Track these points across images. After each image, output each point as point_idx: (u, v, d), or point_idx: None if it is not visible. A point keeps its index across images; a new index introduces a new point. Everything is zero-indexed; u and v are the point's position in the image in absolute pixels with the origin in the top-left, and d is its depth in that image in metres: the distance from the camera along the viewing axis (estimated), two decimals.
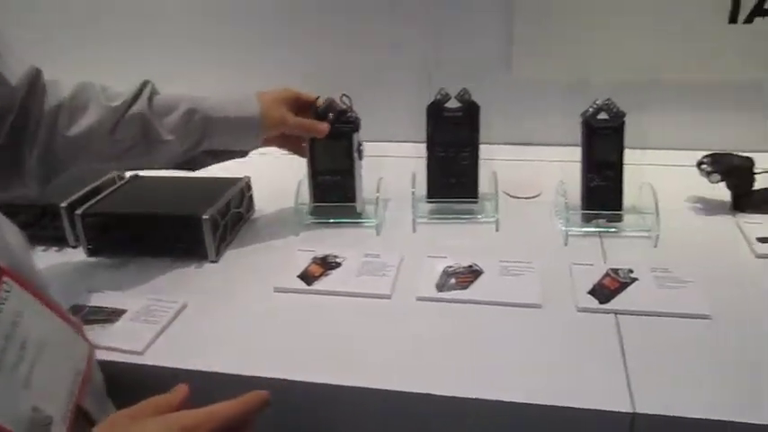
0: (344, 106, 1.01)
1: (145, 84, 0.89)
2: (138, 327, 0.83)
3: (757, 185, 1.02)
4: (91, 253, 1.00)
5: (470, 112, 1.01)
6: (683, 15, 1.13)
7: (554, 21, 1.18)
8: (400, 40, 1.28)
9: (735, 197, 1.03)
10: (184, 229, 0.95)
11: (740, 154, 1.02)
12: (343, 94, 1.01)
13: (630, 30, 1.16)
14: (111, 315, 0.85)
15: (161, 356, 0.78)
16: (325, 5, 1.29)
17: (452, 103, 1.01)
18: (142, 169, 1.02)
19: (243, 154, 0.99)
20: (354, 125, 1.01)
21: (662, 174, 0.99)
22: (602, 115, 0.96)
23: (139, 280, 0.94)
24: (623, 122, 0.95)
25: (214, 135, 0.92)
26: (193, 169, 0.95)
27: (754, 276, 0.88)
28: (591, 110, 0.96)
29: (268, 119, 0.93)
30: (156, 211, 0.98)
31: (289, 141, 1.03)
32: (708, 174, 1.00)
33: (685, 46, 1.15)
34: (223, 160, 0.98)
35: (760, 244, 0.93)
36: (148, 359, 0.78)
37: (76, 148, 0.85)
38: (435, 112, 1.01)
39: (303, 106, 0.99)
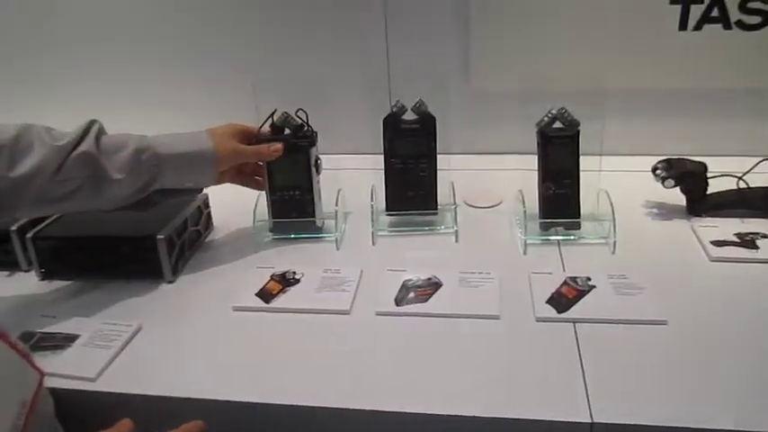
0: (300, 121, 1.01)
1: (92, 123, 0.86)
2: (90, 352, 0.81)
3: (710, 189, 1.03)
4: (44, 277, 0.98)
5: (427, 123, 1.01)
6: (632, 24, 1.15)
7: (510, 31, 1.19)
8: (356, 52, 1.28)
9: (689, 201, 1.04)
10: (139, 249, 0.94)
11: (693, 159, 1.03)
12: (299, 109, 1.01)
13: (584, 39, 1.18)
14: (64, 341, 0.83)
15: (114, 382, 0.76)
16: (277, 18, 1.28)
17: (409, 115, 1.01)
18: (89, 212, 0.92)
19: (196, 192, 0.99)
20: (311, 140, 1.00)
21: (618, 180, 1.00)
22: (558, 124, 0.97)
23: (94, 303, 0.91)
24: (578, 131, 0.96)
25: (166, 172, 0.89)
26: (144, 210, 0.91)
27: (708, 280, 0.89)
28: (546, 119, 0.97)
29: (222, 151, 0.92)
30: (109, 233, 0.95)
31: (243, 175, 1.02)
32: (662, 179, 1.01)
33: (637, 54, 1.16)
34: (176, 199, 0.96)
35: (714, 247, 0.94)
36: (101, 385, 0.76)
37: (20, 191, 0.80)
38: (392, 124, 1.01)
39: (249, 138, 0.98)
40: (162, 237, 0.92)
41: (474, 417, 0.67)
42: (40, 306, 0.91)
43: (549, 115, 0.97)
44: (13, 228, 0.98)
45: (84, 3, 1.34)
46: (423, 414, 0.68)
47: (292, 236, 1.04)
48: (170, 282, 0.95)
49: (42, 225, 0.98)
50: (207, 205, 1.08)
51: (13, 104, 1.42)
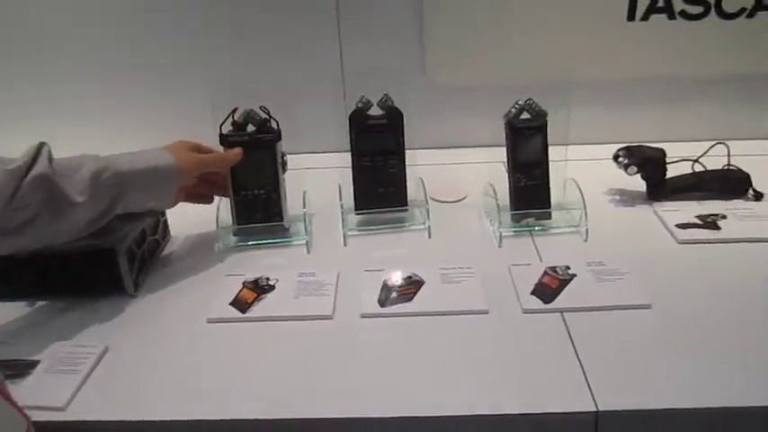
0: (264, 116, 0.96)
1: (41, 144, 0.78)
2: (55, 379, 0.74)
3: (669, 174, 1.06)
4: None
5: (394, 118, 0.98)
6: (586, 14, 1.17)
7: (465, 23, 1.19)
8: (313, 49, 1.24)
9: (650, 187, 1.07)
10: (97, 264, 0.87)
11: (651, 146, 1.06)
12: (261, 106, 0.96)
13: (537, 30, 1.19)
14: (24, 368, 0.75)
15: (87, 410, 0.70)
16: (226, 21, 1.23)
17: (375, 111, 0.99)
18: (44, 245, 0.82)
19: (156, 214, 0.96)
20: (276, 134, 0.96)
21: (582, 168, 1.01)
22: (525, 115, 0.97)
23: (52, 325, 0.84)
24: (545, 121, 0.96)
25: (129, 192, 0.83)
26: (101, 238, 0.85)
27: (680, 262, 0.91)
28: (513, 110, 0.97)
29: (184, 163, 0.88)
30: (62, 248, 0.87)
31: (205, 185, 0.98)
32: (625, 166, 1.03)
33: (592, 44, 1.19)
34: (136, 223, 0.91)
35: (679, 230, 0.97)
36: (73, 414, 0.69)
37: None
38: (358, 120, 0.98)
39: (203, 152, 0.95)
40: (122, 249, 0.86)
41: (480, 415, 0.66)
42: None
43: (517, 106, 0.97)
44: None
45: (32, 15, 1.24)
46: (426, 417, 0.66)
47: (259, 241, 0.99)
48: (132, 296, 0.88)
49: None
50: (163, 213, 1.02)
51: None
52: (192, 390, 0.72)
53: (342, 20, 1.21)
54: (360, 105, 0.98)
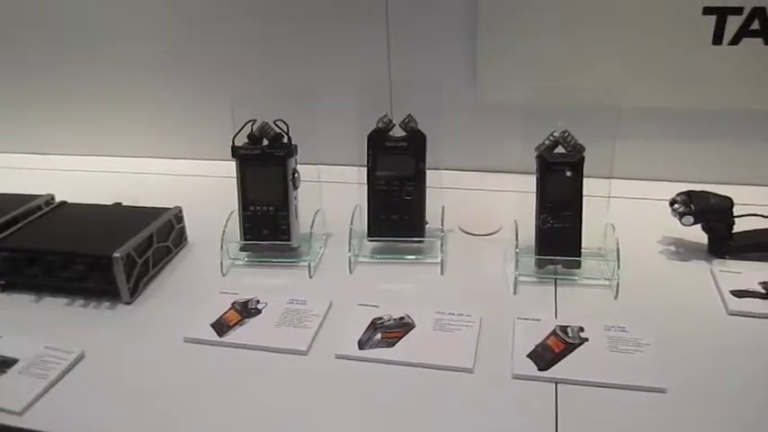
0: (279, 130, 0.92)
1: None
2: (24, 381, 0.74)
3: (737, 228, 0.91)
4: (3, 288, 0.93)
5: (416, 141, 0.91)
6: (658, 35, 1.02)
7: (522, 38, 1.08)
8: (352, 57, 1.19)
9: (711, 241, 0.92)
10: (95, 268, 0.87)
11: (718, 193, 0.90)
12: (279, 119, 0.92)
13: (602, 51, 1.06)
14: (1, 365, 0.77)
15: (41, 418, 0.70)
16: (260, 17, 1.20)
17: (397, 131, 0.92)
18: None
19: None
20: (288, 150, 0.92)
21: (631, 208, 0.88)
22: (560, 149, 0.86)
23: (46, 321, 0.86)
24: (582, 158, 0.85)
25: None
26: None
27: (722, 338, 0.77)
28: (546, 143, 0.86)
29: None
30: (66, 249, 0.89)
31: None
32: (680, 215, 0.89)
33: (662, 69, 1.04)
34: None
35: (734, 298, 0.82)
36: (26, 421, 0.69)
37: None
38: (377, 141, 0.91)
39: None
40: (118, 255, 0.85)
41: None
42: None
43: (551, 138, 0.86)
44: None
45: (64, 7, 1.29)
46: None
47: (264, 260, 0.96)
48: (127, 303, 0.88)
49: (4, 234, 0.93)
50: (180, 219, 1.01)
51: None
52: (146, 411, 0.70)
53: (391, 29, 1.14)
54: (380, 125, 0.91)
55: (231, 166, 0.94)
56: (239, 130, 0.92)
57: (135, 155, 1.41)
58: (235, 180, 0.94)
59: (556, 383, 0.70)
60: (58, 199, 1.07)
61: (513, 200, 1.05)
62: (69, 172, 1.38)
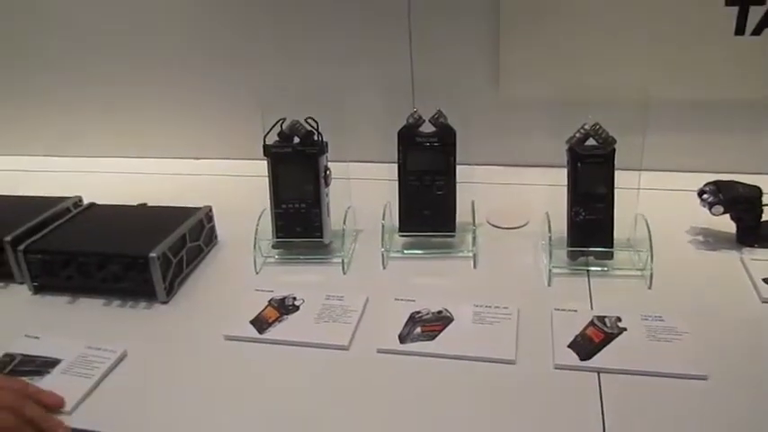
0: (309, 128, 0.93)
1: None
2: (69, 381, 0.75)
3: (766, 217, 0.91)
4: (36, 290, 0.93)
5: (446, 136, 0.92)
6: (680, 28, 1.03)
7: (544, 34, 1.09)
8: (379, 54, 1.19)
9: (740, 230, 0.92)
10: (131, 268, 0.87)
11: (746, 183, 0.91)
12: (309, 117, 0.93)
13: (624, 44, 1.07)
14: (43, 366, 0.77)
15: (92, 418, 0.70)
16: (297, 21, 1.21)
17: (426, 127, 0.92)
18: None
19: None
20: (320, 148, 0.93)
21: (659, 200, 0.89)
22: (591, 141, 0.87)
23: (84, 322, 0.87)
24: (614, 150, 0.85)
25: None
26: None
27: (759, 326, 0.78)
28: (577, 135, 0.87)
29: None
30: (101, 250, 0.90)
31: None
32: (710, 205, 0.90)
33: (685, 61, 1.05)
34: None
35: (767, 286, 0.83)
36: (76, 421, 0.70)
37: None
38: (407, 137, 0.92)
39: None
40: (154, 255, 0.86)
41: None
42: (27, 322, 0.87)
43: (582, 131, 0.86)
44: (8, 238, 0.93)
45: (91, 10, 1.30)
46: None
47: (296, 257, 0.97)
48: (164, 302, 0.89)
49: (37, 236, 0.94)
50: (210, 219, 1.01)
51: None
52: (196, 409, 0.70)
53: (413, 26, 1.15)
54: (410, 121, 0.92)
55: (254, 165, 0.95)
56: (270, 129, 0.93)
57: (158, 155, 1.42)
58: (258, 179, 0.95)
59: (598, 373, 0.70)
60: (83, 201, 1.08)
61: (539, 193, 1.06)
62: (93, 173, 1.38)
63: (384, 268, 0.94)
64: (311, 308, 0.84)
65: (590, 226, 0.87)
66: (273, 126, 0.93)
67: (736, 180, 0.92)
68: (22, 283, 0.94)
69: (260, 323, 0.82)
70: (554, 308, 0.80)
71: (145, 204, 1.10)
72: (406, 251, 0.97)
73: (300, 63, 1.24)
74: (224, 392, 0.72)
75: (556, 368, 0.72)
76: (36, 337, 0.82)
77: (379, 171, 1.00)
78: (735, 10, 1.01)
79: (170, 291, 0.90)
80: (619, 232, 0.89)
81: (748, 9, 1.00)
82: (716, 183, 0.92)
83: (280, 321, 0.82)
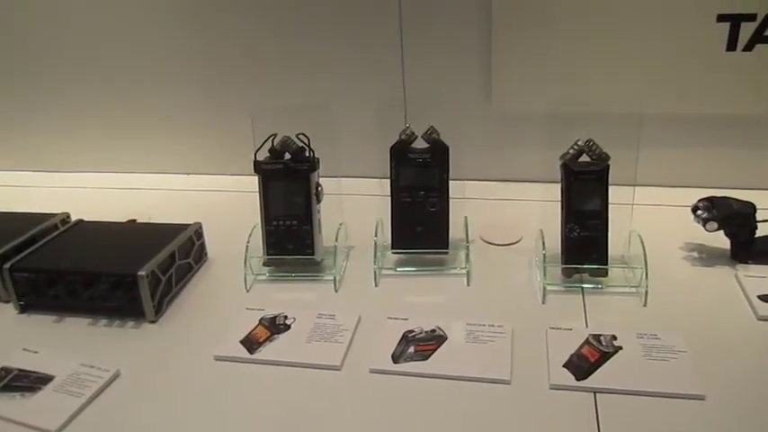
0: (301, 144, 0.92)
1: None
2: (60, 399, 0.74)
3: (760, 233, 0.91)
4: (23, 309, 0.92)
5: (439, 153, 0.91)
6: (673, 43, 1.03)
7: (536, 49, 1.09)
8: (371, 69, 1.19)
9: (734, 246, 0.92)
10: (119, 287, 0.86)
11: (740, 198, 0.91)
12: (300, 133, 0.92)
13: (618, 59, 1.07)
14: (37, 382, 0.76)
15: None
16: (285, 34, 1.21)
17: (419, 143, 0.92)
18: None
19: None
20: (311, 165, 0.92)
21: (653, 215, 0.89)
22: (584, 158, 0.86)
23: (71, 342, 0.85)
24: (608, 166, 0.85)
25: None
26: None
27: (755, 343, 0.77)
28: (571, 152, 0.86)
29: None
30: (88, 268, 0.88)
31: None
32: (704, 221, 0.90)
33: (678, 76, 1.05)
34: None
35: (762, 303, 0.82)
36: None
37: None
38: (399, 153, 0.91)
39: None
40: (143, 273, 0.84)
41: None
42: (13, 342, 0.84)
43: (575, 147, 0.86)
44: None
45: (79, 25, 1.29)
46: None
47: (287, 274, 0.95)
48: (152, 321, 0.87)
49: (23, 254, 0.92)
50: (200, 236, 1.00)
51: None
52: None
53: (405, 38, 1.15)
54: (403, 137, 0.92)
55: (243, 181, 0.94)
56: (261, 145, 0.92)
57: (147, 170, 1.41)
58: (249, 195, 0.94)
59: (594, 393, 0.69)
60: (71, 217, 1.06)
61: (532, 208, 1.05)
62: (81, 189, 1.37)
63: (376, 286, 0.93)
64: (302, 327, 0.83)
65: (584, 242, 0.87)
66: (264, 142, 0.92)
67: (730, 196, 0.92)
68: (8, 302, 0.93)
69: (250, 343, 0.81)
70: (549, 326, 0.79)
71: (134, 221, 1.08)
72: (398, 268, 0.95)
73: (292, 78, 1.23)
74: (213, 415, 0.71)
75: (551, 388, 0.71)
76: (35, 352, 0.81)
77: (372, 187, 0.99)
78: (727, 25, 1.01)
79: (159, 310, 0.88)
80: (613, 249, 0.88)
81: (740, 25, 1.00)
82: (710, 198, 0.91)
83: (270, 341, 0.81)
